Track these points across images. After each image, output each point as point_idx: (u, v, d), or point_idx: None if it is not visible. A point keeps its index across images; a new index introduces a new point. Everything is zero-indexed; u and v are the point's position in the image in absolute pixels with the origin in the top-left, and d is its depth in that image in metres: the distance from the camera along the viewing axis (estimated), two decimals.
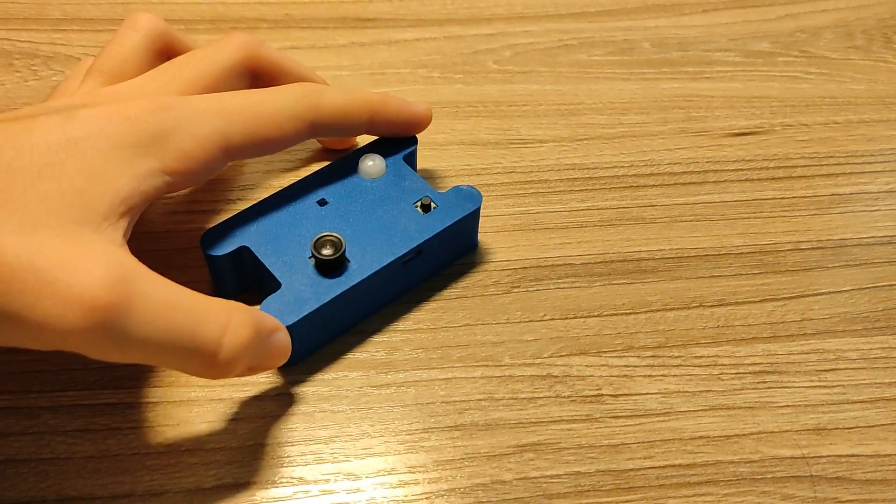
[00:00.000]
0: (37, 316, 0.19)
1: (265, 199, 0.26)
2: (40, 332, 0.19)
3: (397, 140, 0.28)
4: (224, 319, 0.20)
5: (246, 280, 0.26)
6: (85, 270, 0.19)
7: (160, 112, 0.22)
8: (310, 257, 0.25)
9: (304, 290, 0.24)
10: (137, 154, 0.22)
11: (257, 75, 0.27)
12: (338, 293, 0.24)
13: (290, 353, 0.23)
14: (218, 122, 0.23)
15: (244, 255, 0.25)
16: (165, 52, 0.27)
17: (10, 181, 0.20)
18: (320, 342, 0.26)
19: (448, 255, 0.28)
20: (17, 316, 0.19)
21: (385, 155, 0.28)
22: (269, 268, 0.25)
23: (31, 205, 0.20)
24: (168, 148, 0.22)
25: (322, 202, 0.26)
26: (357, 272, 0.25)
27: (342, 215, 0.26)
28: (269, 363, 0.23)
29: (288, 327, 0.23)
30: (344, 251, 0.25)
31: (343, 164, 0.28)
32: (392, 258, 0.25)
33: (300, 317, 0.24)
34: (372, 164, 0.27)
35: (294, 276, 0.25)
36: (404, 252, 0.25)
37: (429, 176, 0.31)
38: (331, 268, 0.25)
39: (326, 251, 0.25)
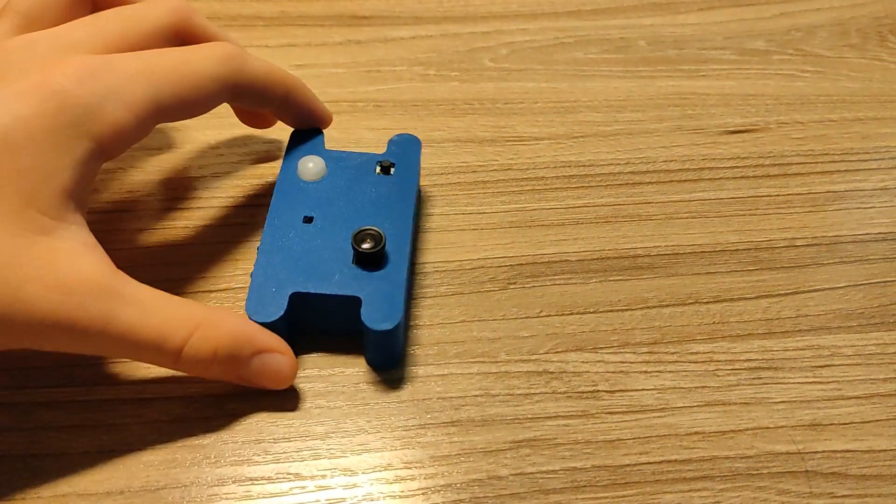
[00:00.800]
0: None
1: (261, 248, 0.25)
2: (14, 341, 0.21)
3: (305, 134, 0.28)
4: (188, 330, 0.22)
5: (298, 326, 0.25)
6: (64, 300, 0.20)
7: (88, 81, 0.21)
8: (353, 263, 0.25)
9: (381, 288, 0.24)
10: (72, 136, 0.21)
11: (185, 42, 0.25)
12: (404, 270, 0.25)
13: (288, 377, 0.24)
14: (148, 86, 0.22)
15: (294, 303, 0.24)
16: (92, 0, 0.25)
17: None
18: (405, 333, 0.26)
19: (418, 202, 0.29)
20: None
21: (310, 149, 0.28)
22: (337, 293, 0.24)
23: None
24: (101, 122, 0.21)
25: (308, 219, 0.26)
26: (399, 247, 0.25)
27: (336, 218, 0.26)
28: (261, 381, 0.23)
29: (397, 326, 0.24)
30: (385, 238, 0.25)
31: (287, 182, 0.27)
32: (410, 217, 0.26)
33: (401, 309, 0.24)
34: (313, 165, 0.27)
35: (360, 284, 0.24)
36: (412, 207, 0.26)
37: (426, 173, 0.31)
38: (379, 259, 0.25)
39: (367, 245, 0.25)
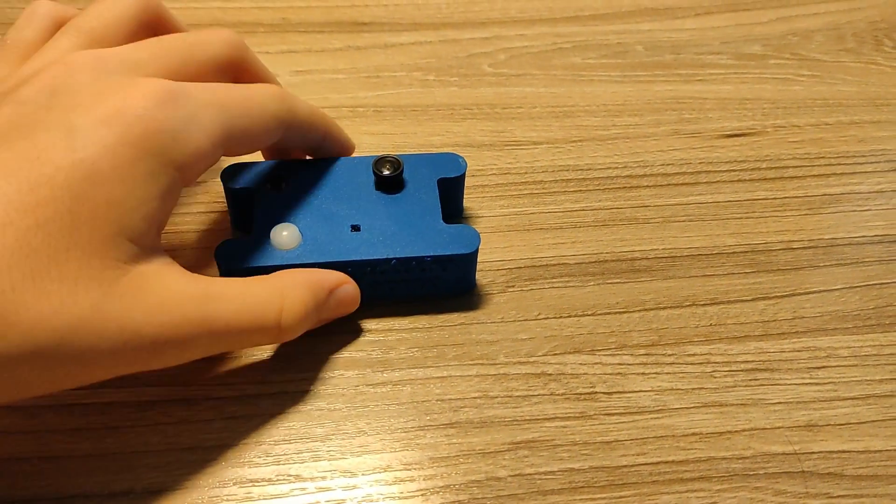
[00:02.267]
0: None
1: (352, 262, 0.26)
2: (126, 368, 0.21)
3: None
4: (279, 301, 0.23)
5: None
6: (167, 319, 0.21)
7: (169, 105, 0.21)
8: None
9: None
10: (158, 165, 0.21)
11: (236, 75, 0.25)
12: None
13: (357, 299, 0.26)
14: (222, 115, 0.22)
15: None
16: (153, 27, 0.26)
17: (52, 239, 0.19)
18: None
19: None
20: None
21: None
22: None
23: (89, 260, 0.19)
24: (184, 148, 0.21)
25: (355, 228, 0.26)
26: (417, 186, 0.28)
27: (373, 213, 0.27)
28: (340, 313, 0.25)
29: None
30: (402, 167, 0.27)
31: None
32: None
33: (475, 231, 0.26)
34: (287, 234, 0.26)
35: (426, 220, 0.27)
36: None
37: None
38: (399, 182, 0.27)
39: (388, 171, 0.27)
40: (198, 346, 0.22)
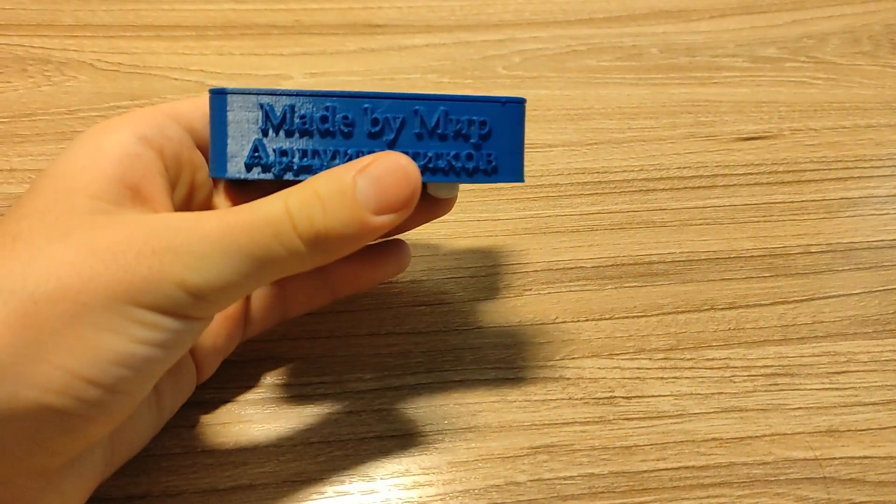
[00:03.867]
0: None
1: None
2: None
3: None
4: (281, 197, 0.19)
5: None
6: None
7: None
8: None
9: None
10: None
11: None
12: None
13: (409, 167, 0.20)
14: None
15: None
16: None
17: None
18: None
19: None
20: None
21: None
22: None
23: (55, 221, 0.18)
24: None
25: None
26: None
27: None
28: (389, 186, 0.19)
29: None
30: None
31: None
32: None
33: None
34: None
35: None
36: None
37: None
38: None
39: None
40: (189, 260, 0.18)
